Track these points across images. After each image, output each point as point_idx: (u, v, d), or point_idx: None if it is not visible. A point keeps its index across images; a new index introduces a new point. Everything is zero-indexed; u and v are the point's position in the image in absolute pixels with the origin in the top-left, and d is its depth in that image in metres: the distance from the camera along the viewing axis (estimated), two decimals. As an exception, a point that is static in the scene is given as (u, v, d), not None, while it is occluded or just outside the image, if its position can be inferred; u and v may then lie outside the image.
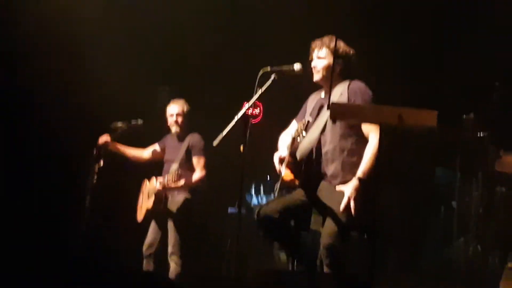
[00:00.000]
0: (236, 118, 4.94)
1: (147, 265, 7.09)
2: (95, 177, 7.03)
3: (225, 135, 4.89)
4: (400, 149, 7.42)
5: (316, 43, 5.20)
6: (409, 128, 4.11)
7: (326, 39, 5.18)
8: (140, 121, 7.34)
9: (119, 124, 7.32)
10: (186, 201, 7.10)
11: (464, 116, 7.79)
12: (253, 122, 5.14)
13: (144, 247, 7.14)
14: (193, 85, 8.41)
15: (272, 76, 5.08)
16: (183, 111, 7.28)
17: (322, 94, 5.28)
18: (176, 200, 7.11)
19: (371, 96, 4.99)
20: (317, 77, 5.17)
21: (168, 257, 7.02)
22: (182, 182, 6.96)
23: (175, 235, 7.03)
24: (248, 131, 4.96)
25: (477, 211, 7.75)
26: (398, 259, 8.20)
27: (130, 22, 8.15)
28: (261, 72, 5.06)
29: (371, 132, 4.82)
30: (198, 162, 7.15)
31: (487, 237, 7.47)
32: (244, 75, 5.67)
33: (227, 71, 8.50)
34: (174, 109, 7.28)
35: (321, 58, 5.16)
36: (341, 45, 5.11)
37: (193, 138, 7.22)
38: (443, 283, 6.56)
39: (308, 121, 5.11)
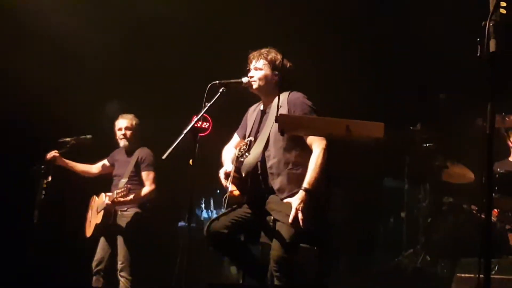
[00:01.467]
0: (185, 132, 4.92)
1: (97, 281, 7.00)
2: (43, 192, 6.95)
3: (174, 148, 4.87)
4: (348, 160, 7.48)
5: (254, 54, 5.25)
6: (356, 139, 4.15)
7: (264, 50, 5.23)
8: (88, 136, 7.29)
9: (67, 139, 7.25)
10: (135, 216, 7.05)
11: (411, 127, 7.90)
12: (202, 136, 5.13)
13: (94, 263, 7.06)
14: (142, 99, 8.36)
15: (221, 90, 5.09)
16: (131, 125, 7.26)
17: (261, 107, 5.31)
18: (125, 215, 7.06)
19: (310, 107, 5.02)
20: (254, 86, 5.20)
21: (118, 274, 6.95)
22: (131, 196, 6.93)
23: (124, 250, 6.98)
24: (197, 145, 4.95)
25: (425, 221, 7.85)
26: (348, 267, 8.27)
27: (77, 36, 8.06)
28: (209, 86, 5.06)
29: (315, 142, 4.85)
30: (147, 177, 7.12)
31: (435, 247, 7.56)
32: (193, 89, 5.66)
33: (176, 85, 8.47)
34: (123, 123, 7.26)
35: (258, 69, 5.20)
36: (278, 57, 5.16)
37: (142, 153, 7.20)
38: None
39: (250, 141, 5.13)
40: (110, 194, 6.97)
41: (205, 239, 5.04)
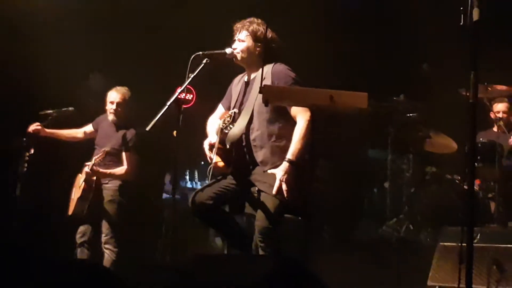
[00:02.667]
0: (168, 103, 4.91)
1: (81, 253, 6.96)
2: (25, 165, 6.92)
3: (158, 120, 4.86)
4: (332, 131, 7.50)
5: (237, 26, 5.23)
6: (340, 109, 4.16)
7: (246, 21, 5.21)
8: (70, 109, 7.23)
9: (49, 111, 7.20)
10: (120, 188, 7.03)
11: (395, 98, 7.91)
12: (186, 107, 5.12)
13: (77, 235, 7.03)
14: (124, 71, 8.31)
15: (204, 61, 5.07)
16: (124, 99, 7.13)
17: (245, 78, 5.30)
18: (109, 187, 7.03)
19: (293, 78, 5.01)
20: (237, 58, 5.19)
21: (102, 246, 6.95)
22: (109, 170, 6.93)
23: (107, 222, 6.96)
24: (181, 116, 4.94)
25: (409, 191, 7.90)
26: (332, 237, 8.32)
27: (62, 6, 7.98)
28: (192, 57, 5.04)
29: (299, 114, 4.85)
30: (128, 158, 7.03)
31: (418, 216, 7.61)
32: (177, 60, 5.63)
33: (160, 56, 8.43)
34: (115, 97, 7.12)
35: (241, 40, 5.19)
36: (261, 29, 5.14)
37: (129, 134, 7.11)
38: (377, 258, 6.65)
39: (235, 113, 5.12)
40: (89, 163, 6.93)
41: (190, 210, 5.05)
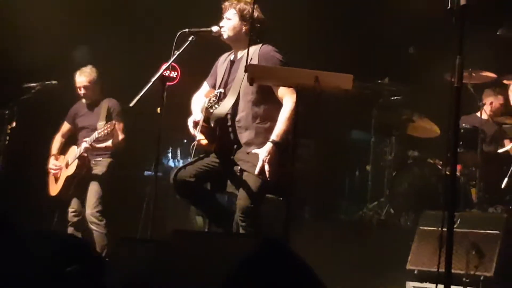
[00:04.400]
0: (153, 80, 4.89)
1: (74, 232, 7.01)
2: (7, 138, 6.88)
3: (142, 96, 4.84)
4: (316, 112, 7.50)
5: (226, 4, 5.20)
6: (325, 90, 4.16)
7: (234, 0, 5.18)
8: (54, 82, 7.20)
9: (32, 84, 7.16)
10: (110, 164, 7.06)
11: (379, 80, 7.92)
12: (170, 84, 5.10)
13: (70, 214, 7.07)
14: (109, 46, 8.25)
15: (190, 38, 5.05)
16: (89, 82, 7.12)
17: (232, 56, 5.28)
18: (100, 163, 7.06)
19: (280, 60, 5.00)
20: (224, 36, 5.17)
21: (89, 222, 6.96)
22: (109, 142, 6.92)
23: (98, 197, 6.97)
24: (165, 93, 4.93)
25: (390, 174, 7.92)
26: (313, 217, 8.36)
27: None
28: (178, 34, 5.02)
29: (286, 96, 4.85)
30: (118, 126, 7.03)
31: (399, 200, 7.65)
32: (162, 37, 5.60)
33: (146, 32, 8.38)
34: (81, 81, 7.13)
35: (228, 18, 5.17)
36: (248, 8, 5.11)
37: (111, 103, 7.11)
38: (357, 240, 6.69)
39: (220, 92, 5.11)
40: (86, 139, 6.89)
41: (171, 187, 5.05)
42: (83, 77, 7.12)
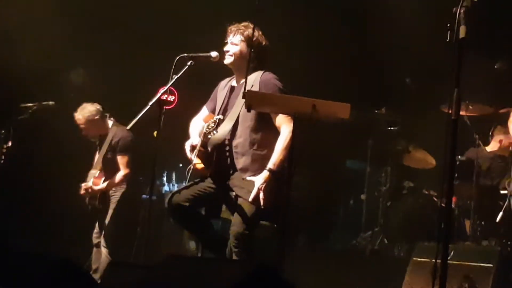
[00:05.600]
0: (150, 103, 4.90)
1: (97, 253, 7.11)
2: (2, 157, 6.88)
3: (139, 120, 4.85)
4: (312, 140, 7.50)
5: (232, 29, 5.20)
6: (322, 118, 4.16)
7: (242, 25, 5.18)
8: (51, 103, 7.21)
9: (29, 104, 7.17)
10: (123, 194, 7.20)
11: (376, 110, 7.94)
12: (167, 108, 5.11)
13: (94, 235, 7.16)
14: (109, 69, 8.27)
15: (189, 63, 5.06)
16: (86, 121, 7.14)
17: (233, 82, 5.28)
18: (115, 195, 7.17)
19: (280, 88, 5.00)
20: (227, 61, 5.15)
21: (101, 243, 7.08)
22: (103, 185, 7.01)
23: (111, 224, 7.12)
24: (162, 117, 4.94)
25: (385, 204, 7.92)
26: (306, 245, 8.34)
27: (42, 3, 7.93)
28: (177, 58, 5.03)
29: (283, 124, 4.85)
30: (121, 161, 7.08)
31: (393, 230, 7.64)
32: (161, 61, 5.62)
33: (144, 56, 8.40)
34: (79, 120, 7.16)
35: (234, 44, 5.16)
36: (255, 34, 5.11)
37: (118, 135, 7.10)
38: (350, 269, 6.67)
39: (219, 119, 5.11)
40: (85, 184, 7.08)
41: (166, 211, 5.03)
42: (78, 114, 7.13)
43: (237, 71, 5.19)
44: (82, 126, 7.14)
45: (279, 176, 4.76)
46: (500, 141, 7.53)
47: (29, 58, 7.80)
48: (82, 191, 7.03)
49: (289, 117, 4.70)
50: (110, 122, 7.25)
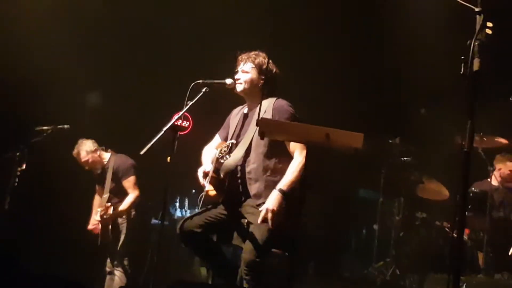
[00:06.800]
0: (164, 129, 4.92)
1: (110, 281, 7.21)
2: (16, 179, 6.92)
3: (153, 145, 4.86)
4: (326, 168, 7.50)
5: (243, 57, 5.23)
6: (335, 148, 4.16)
7: (252, 54, 5.21)
8: (66, 126, 7.25)
9: (44, 127, 7.21)
10: (133, 219, 7.31)
11: (390, 140, 7.93)
12: (181, 134, 5.12)
13: (109, 263, 7.28)
14: (123, 92, 8.32)
15: (204, 89, 5.08)
16: (80, 158, 7.35)
17: (245, 110, 5.30)
18: (124, 223, 7.28)
19: (292, 114, 5.02)
20: (239, 88, 5.18)
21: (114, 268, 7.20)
22: (111, 211, 7.12)
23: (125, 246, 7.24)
24: (176, 143, 4.95)
25: (398, 234, 7.88)
26: (317, 273, 8.30)
27: (57, 25, 8.00)
28: (192, 84, 5.05)
29: (297, 149, 4.86)
30: (128, 184, 7.18)
31: (405, 261, 7.59)
32: (176, 87, 5.65)
33: (159, 81, 8.44)
34: (80, 155, 7.38)
35: (245, 71, 5.19)
36: (266, 62, 5.13)
37: (117, 162, 7.25)
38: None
39: (232, 143, 5.12)
40: (98, 214, 7.18)
41: (178, 237, 5.03)
42: (80, 150, 7.39)
43: (249, 99, 5.22)
44: (84, 160, 7.34)
45: (290, 198, 4.76)
46: (500, 170, 7.52)
47: (45, 80, 7.87)
48: (91, 226, 7.14)
49: (303, 144, 4.71)
50: (108, 154, 7.36)
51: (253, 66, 5.16)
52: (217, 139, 5.40)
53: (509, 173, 7.55)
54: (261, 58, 5.16)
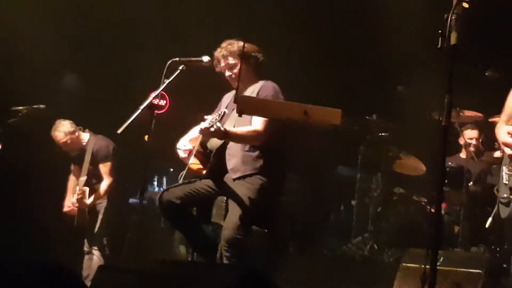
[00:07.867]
0: (141, 107, 4.90)
1: (89, 260, 7.14)
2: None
3: (130, 123, 4.84)
4: (303, 146, 7.51)
5: (218, 55, 5.21)
6: (313, 124, 4.17)
7: (224, 47, 5.21)
8: (42, 106, 7.18)
9: (20, 108, 7.14)
10: (109, 202, 7.25)
11: (367, 116, 7.95)
12: (158, 113, 5.10)
13: (85, 244, 7.21)
14: (99, 72, 8.25)
15: (180, 67, 5.06)
16: (59, 140, 7.22)
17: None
18: (102, 203, 7.23)
19: (277, 93, 5.03)
20: (234, 82, 5.15)
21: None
22: (91, 199, 7.08)
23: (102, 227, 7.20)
24: (154, 121, 4.93)
25: (375, 210, 7.93)
26: (297, 251, 8.34)
27: (33, 3, 7.90)
28: (169, 62, 5.03)
29: (259, 120, 4.90)
30: (104, 169, 7.11)
31: (383, 236, 7.64)
32: (153, 65, 5.62)
33: (135, 60, 8.39)
34: (58, 137, 7.22)
35: (229, 65, 5.19)
36: (240, 46, 5.12)
37: (97, 144, 7.16)
38: (340, 275, 6.67)
39: (224, 112, 5.10)
40: (74, 199, 7.12)
41: (156, 215, 5.03)
42: (58, 132, 7.22)
43: (243, 83, 5.18)
44: (62, 142, 7.19)
45: (270, 178, 4.78)
46: (471, 139, 7.59)
47: (21, 61, 7.79)
48: (66, 208, 7.09)
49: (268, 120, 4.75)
50: (87, 135, 7.28)
51: (233, 57, 5.16)
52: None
53: (477, 143, 7.61)
54: (236, 45, 5.15)
